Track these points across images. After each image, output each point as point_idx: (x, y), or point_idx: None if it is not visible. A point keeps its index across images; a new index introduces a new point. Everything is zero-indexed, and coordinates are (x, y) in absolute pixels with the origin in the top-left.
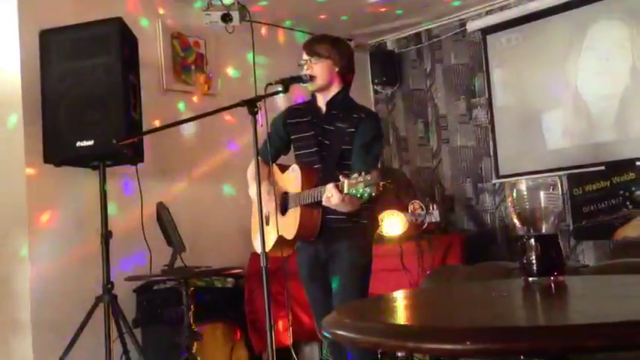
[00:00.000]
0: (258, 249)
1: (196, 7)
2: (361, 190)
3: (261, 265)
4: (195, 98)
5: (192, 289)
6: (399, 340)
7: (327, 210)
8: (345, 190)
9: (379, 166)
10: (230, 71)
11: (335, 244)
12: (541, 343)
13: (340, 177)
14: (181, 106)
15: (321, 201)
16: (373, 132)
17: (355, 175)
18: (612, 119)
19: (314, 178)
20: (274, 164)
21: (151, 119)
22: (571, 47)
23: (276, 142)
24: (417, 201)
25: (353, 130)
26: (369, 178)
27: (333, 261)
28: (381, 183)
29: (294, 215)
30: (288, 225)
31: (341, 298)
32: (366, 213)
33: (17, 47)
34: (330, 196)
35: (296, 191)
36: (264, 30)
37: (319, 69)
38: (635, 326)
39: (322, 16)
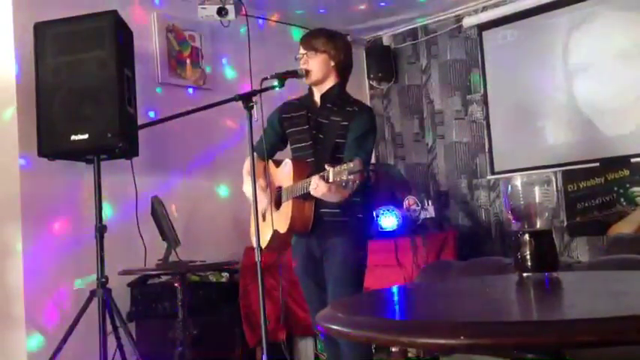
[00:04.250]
0: (256, 244)
1: (192, 1)
2: (345, 178)
3: (256, 260)
4: (190, 92)
5: (186, 283)
6: (393, 335)
7: (320, 204)
8: (331, 179)
9: (372, 159)
10: (225, 65)
11: (329, 240)
12: (535, 338)
13: (326, 166)
14: (176, 100)
15: (310, 192)
16: (367, 126)
17: (340, 164)
18: (607, 116)
19: (306, 171)
20: (270, 160)
21: (146, 113)
22: (566, 44)
23: (272, 138)
24: (412, 197)
25: (346, 123)
26: (352, 165)
27: (327, 256)
28: (363, 171)
29: (286, 209)
30: (282, 219)
31: (334, 294)
32: (360, 207)
33: (11, 40)
34: (316, 186)
35: (289, 185)
36: (259, 24)
37: (315, 63)
38: (628, 321)
39: (318, 11)
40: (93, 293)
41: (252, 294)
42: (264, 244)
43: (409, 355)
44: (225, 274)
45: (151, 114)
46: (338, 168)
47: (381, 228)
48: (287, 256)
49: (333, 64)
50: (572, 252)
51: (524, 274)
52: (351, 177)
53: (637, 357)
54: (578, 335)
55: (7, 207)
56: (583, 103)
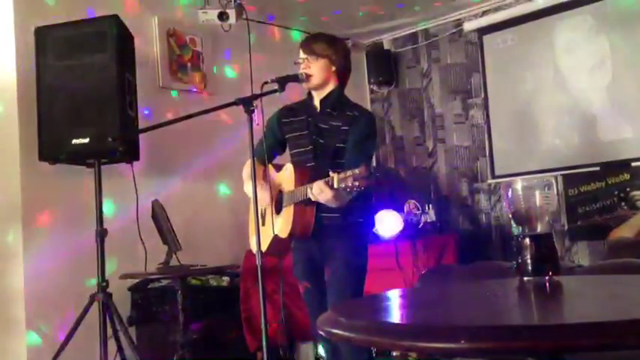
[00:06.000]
0: (254, 248)
1: (193, 5)
2: (350, 184)
3: (257, 263)
4: (191, 96)
5: (187, 287)
6: (394, 339)
7: (321, 208)
8: (335, 185)
9: (372, 164)
10: (226, 69)
11: (330, 243)
12: (535, 342)
13: (330, 172)
14: (177, 104)
15: (311, 198)
16: (367, 130)
17: (345, 170)
18: (607, 120)
19: (307, 176)
20: (269, 164)
21: (147, 117)
22: (566, 48)
23: (271, 142)
24: (413, 201)
25: (347, 128)
26: (357, 172)
27: (328, 260)
28: (369, 177)
29: (287, 214)
30: (283, 223)
31: (334, 299)
32: (361, 211)
33: (13, 44)
34: (320, 192)
35: (289, 190)
36: (260, 28)
37: (315, 68)
38: (629, 326)
39: (319, 15)
40: (93, 297)
41: (253, 298)
42: (263, 248)
43: (410, 359)
44: (226, 278)
45: (152, 118)
46: (343, 174)
47: (382, 232)
48: (288, 260)
49: (333, 68)
50: (572, 256)
51: (525, 278)
52: (357, 183)
53: None
54: (578, 339)
55: (9, 211)
56: (584, 107)
